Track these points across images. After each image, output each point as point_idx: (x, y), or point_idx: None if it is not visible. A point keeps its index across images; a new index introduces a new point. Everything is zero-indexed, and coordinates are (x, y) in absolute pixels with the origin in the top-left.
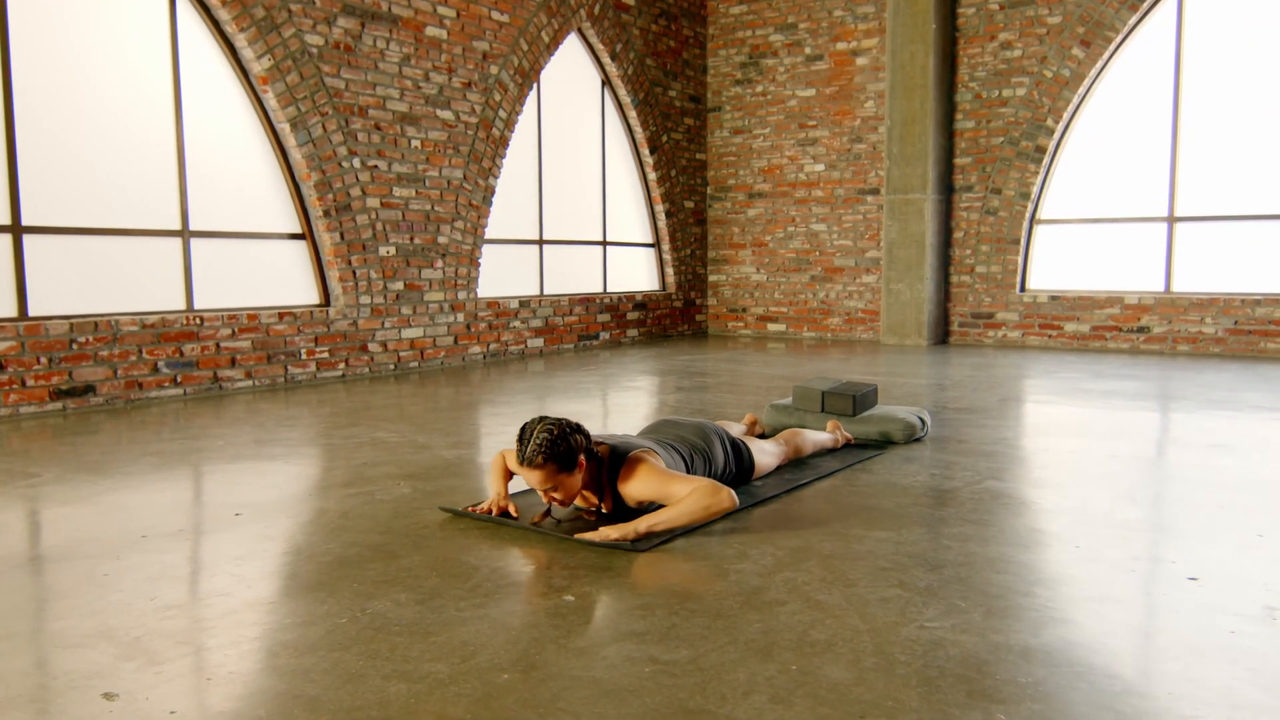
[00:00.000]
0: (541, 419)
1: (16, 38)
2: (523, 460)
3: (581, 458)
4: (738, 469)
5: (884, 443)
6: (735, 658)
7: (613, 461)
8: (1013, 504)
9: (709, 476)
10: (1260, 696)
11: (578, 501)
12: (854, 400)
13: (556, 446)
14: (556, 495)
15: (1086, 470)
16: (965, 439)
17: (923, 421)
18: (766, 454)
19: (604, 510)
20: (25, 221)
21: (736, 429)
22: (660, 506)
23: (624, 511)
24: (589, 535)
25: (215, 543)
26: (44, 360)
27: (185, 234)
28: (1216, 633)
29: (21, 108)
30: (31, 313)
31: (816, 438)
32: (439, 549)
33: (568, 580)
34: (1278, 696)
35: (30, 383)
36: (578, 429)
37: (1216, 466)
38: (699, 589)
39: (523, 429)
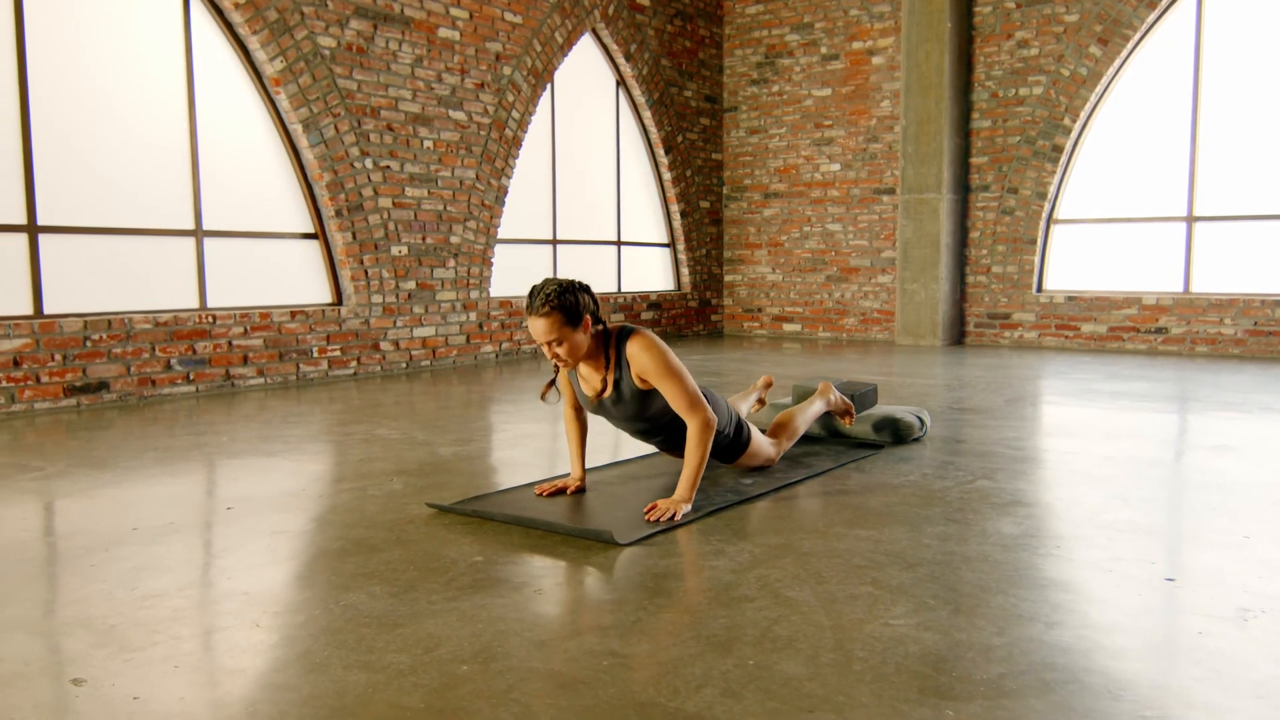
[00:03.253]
0: (551, 278)
1: (32, 42)
2: (530, 309)
3: (587, 317)
4: (734, 437)
5: (881, 442)
6: (694, 652)
7: (620, 334)
8: (1001, 504)
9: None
10: (1218, 697)
11: (581, 370)
12: (852, 400)
13: (564, 297)
14: (560, 351)
15: (1082, 471)
16: (965, 439)
17: (921, 421)
18: (763, 444)
19: (607, 391)
20: (41, 221)
21: (746, 405)
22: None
23: (626, 393)
24: (650, 516)
25: (203, 536)
26: (58, 357)
27: (198, 234)
28: (1185, 634)
29: (37, 110)
30: (46, 310)
31: (809, 412)
32: (421, 544)
33: (543, 575)
34: (1235, 697)
35: (45, 379)
36: (586, 289)
37: (1216, 468)
38: (670, 585)
39: (533, 287)
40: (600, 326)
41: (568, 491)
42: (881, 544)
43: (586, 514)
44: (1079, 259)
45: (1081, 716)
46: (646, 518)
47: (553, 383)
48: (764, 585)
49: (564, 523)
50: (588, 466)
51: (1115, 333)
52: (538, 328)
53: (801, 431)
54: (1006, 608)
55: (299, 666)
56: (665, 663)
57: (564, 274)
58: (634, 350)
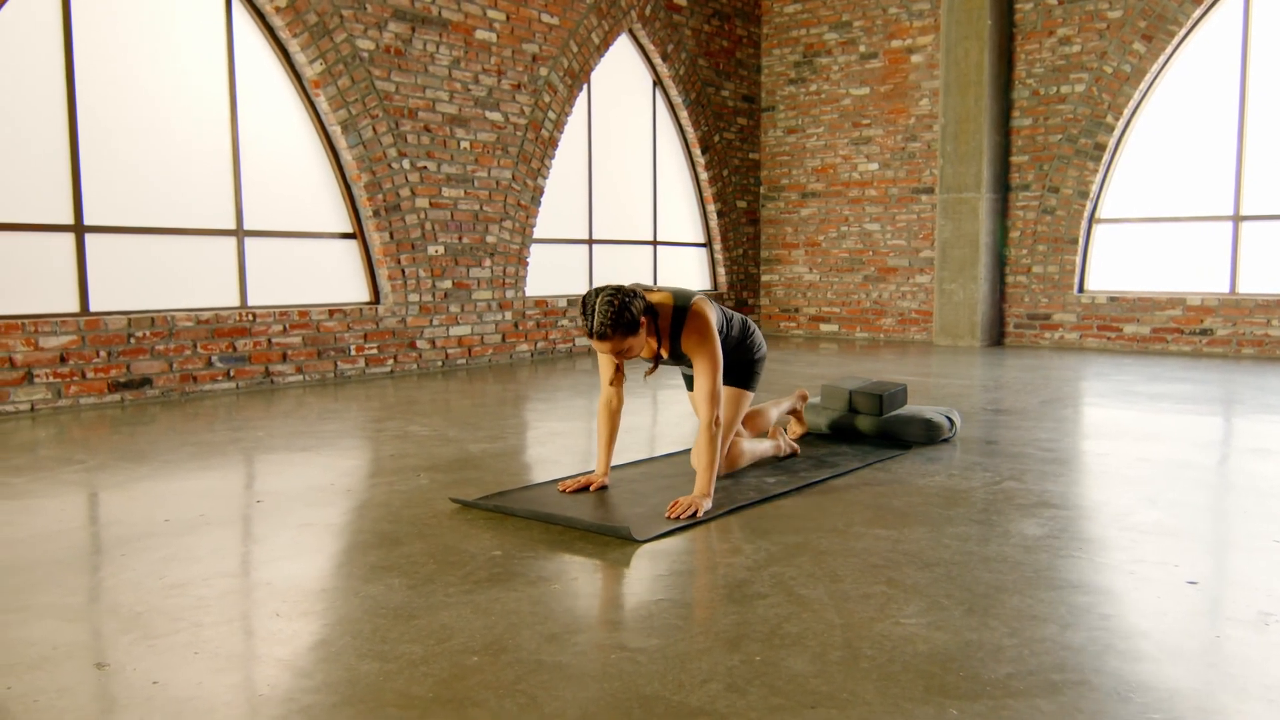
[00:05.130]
0: (598, 291)
1: (79, 48)
2: (592, 334)
3: (642, 318)
4: (750, 365)
5: (909, 442)
6: (702, 648)
7: (676, 315)
8: (1026, 506)
9: (739, 339)
10: (1228, 700)
11: (643, 353)
12: (881, 399)
13: (621, 317)
14: (626, 356)
15: (1112, 473)
16: (996, 440)
17: (951, 422)
18: (744, 421)
19: (664, 355)
20: (87, 221)
21: (778, 411)
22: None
23: (680, 357)
24: (671, 513)
25: (232, 528)
26: (103, 354)
27: (239, 233)
28: (1202, 637)
29: (84, 114)
30: (92, 308)
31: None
32: (442, 538)
33: (559, 570)
34: (1246, 700)
35: (90, 375)
36: (634, 294)
37: (1252, 471)
38: (685, 581)
39: (583, 304)
40: (651, 315)
41: (590, 488)
42: (900, 544)
43: (607, 510)
44: (1122, 259)
45: (1088, 717)
46: (667, 515)
47: (619, 369)
48: (778, 583)
49: (584, 519)
50: (614, 464)
51: (1159, 334)
52: (603, 348)
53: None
54: (1021, 609)
55: (314, 655)
56: (672, 657)
57: (599, 276)
58: (689, 324)
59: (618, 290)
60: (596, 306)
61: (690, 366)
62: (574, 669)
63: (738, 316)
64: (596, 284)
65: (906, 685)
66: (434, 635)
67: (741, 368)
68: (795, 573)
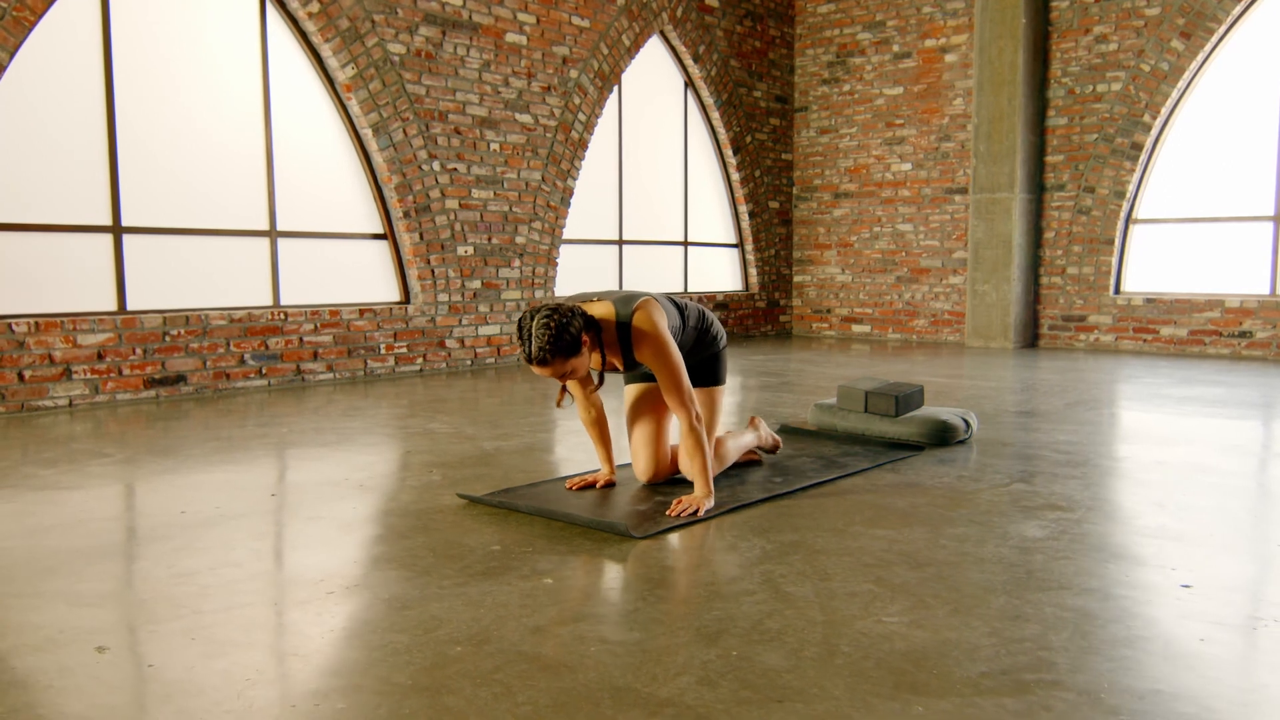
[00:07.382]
0: (534, 313)
1: (119, 54)
2: (529, 360)
3: (584, 337)
4: (713, 359)
5: (922, 444)
6: (681, 642)
7: (621, 326)
8: (1031, 508)
9: (698, 332)
10: (1206, 702)
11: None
12: (897, 400)
13: (560, 341)
14: (571, 379)
15: (1127, 476)
16: (1012, 442)
17: (967, 424)
18: (719, 422)
19: (618, 367)
20: (125, 222)
21: (749, 437)
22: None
23: (633, 364)
24: (672, 512)
25: (244, 520)
26: (139, 351)
27: (273, 234)
28: (1186, 641)
29: (122, 118)
30: (129, 307)
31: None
32: (445, 532)
33: (555, 565)
34: (1222, 702)
35: (126, 372)
36: (572, 312)
37: (1270, 476)
38: (675, 577)
39: (519, 327)
40: (594, 330)
41: (597, 485)
42: (896, 543)
43: (609, 508)
44: (1159, 260)
45: (1054, 717)
46: (668, 513)
47: (564, 389)
48: (767, 580)
49: (584, 515)
50: (619, 463)
51: (1196, 336)
52: (544, 374)
53: (729, 447)
54: (1006, 609)
55: (305, 643)
56: (650, 651)
57: (630, 276)
58: (637, 337)
59: (554, 310)
60: (533, 330)
61: (643, 369)
62: (552, 660)
63: (692, 306)
64: (533, 305)
65: (877, 682)
66: (422, 625)
67: (706, 365)
68: (786, 570)
